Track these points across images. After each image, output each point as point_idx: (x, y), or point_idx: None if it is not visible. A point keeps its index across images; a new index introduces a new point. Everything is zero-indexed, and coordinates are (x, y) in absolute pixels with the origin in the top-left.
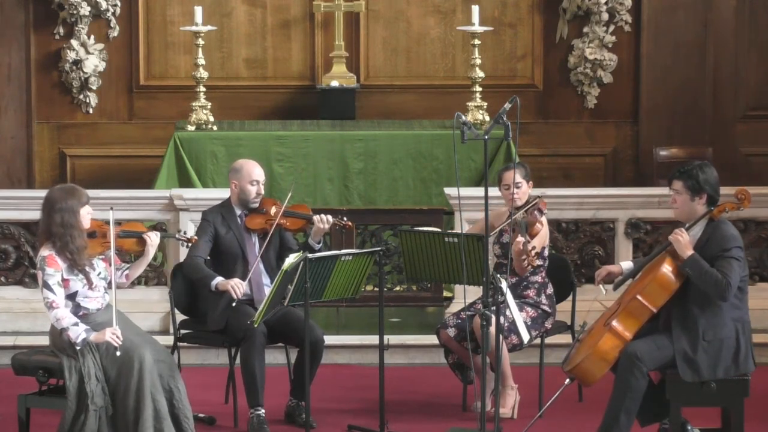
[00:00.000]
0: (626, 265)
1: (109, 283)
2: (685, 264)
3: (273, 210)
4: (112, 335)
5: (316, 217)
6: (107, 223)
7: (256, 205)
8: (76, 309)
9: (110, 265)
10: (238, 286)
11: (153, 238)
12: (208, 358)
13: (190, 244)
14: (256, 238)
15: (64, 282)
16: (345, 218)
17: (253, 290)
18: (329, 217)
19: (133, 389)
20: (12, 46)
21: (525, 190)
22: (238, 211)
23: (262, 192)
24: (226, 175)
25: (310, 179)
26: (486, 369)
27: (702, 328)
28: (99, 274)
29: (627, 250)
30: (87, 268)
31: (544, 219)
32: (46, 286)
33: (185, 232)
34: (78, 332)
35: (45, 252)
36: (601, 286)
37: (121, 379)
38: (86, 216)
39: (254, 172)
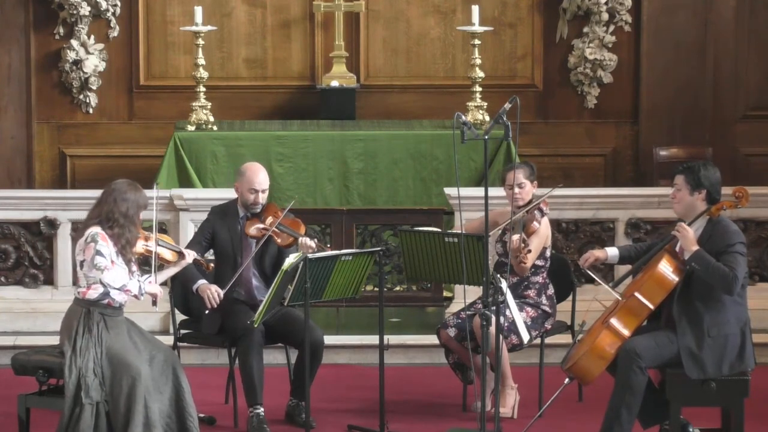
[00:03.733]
0: (612, 251)
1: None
2: (691, 259)
3: (269, 220)
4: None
5: (300, 240)
6: (145, 229)
7: (257, 210)
8: (104, 296)
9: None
10: (214, 297)
11: (190, 256)
12: (208, 358)
13: (206, 270)
14: (253, 243)
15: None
16: (329, 246)
17: (244, 292)
18: (312, 243)
19: (124, 398)
20: (12, 46)
21: (529, 190)
22: (242, 213)
23: (260, 201)
24: (227, 175)
25: (310, 179)
26: (486, 369)
27: (707, 325)
28: (135, 272)
29: None
30: (132, 263)
31: (545, 219)
32: (99, 253)
33: (208, 260)
34: (135, 285)
35: (96, 229)
36: (612, 291)
37: (115, 385)
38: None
39: (255, 180)
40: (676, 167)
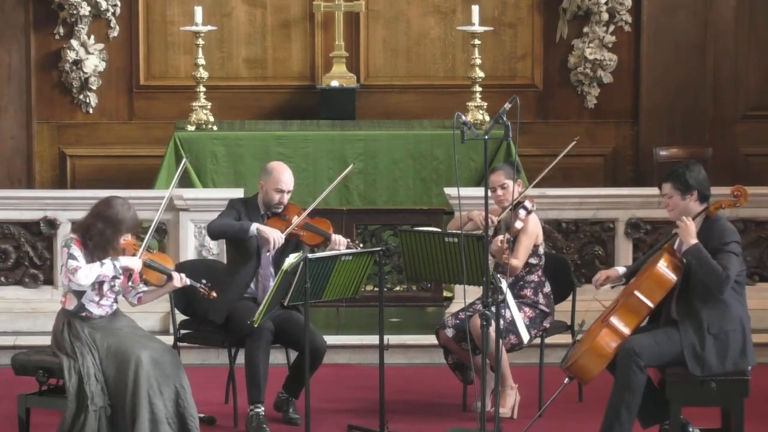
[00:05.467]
0: (622, 270)
1: (122, 294)
2: (687, 251)
3: (294, 219)
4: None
5: (334, 237)
6: (140, 245)
7: (279, 210)
8: (80, 308)
9: (128, 281)
10: (278, 240)
11: (177, 282)
12: (208, 358)
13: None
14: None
15: None
16: (361, 245)
17: (259, 293)
18: (346, 240)
19: (130, 391)
20: (12, 46)
21: (511, 190)
22: (262, 211)
23: (285, 202)
24: (226, 175)
25: (310, 179)
26: (486, 369)
27: (707, 323)
28: (113, 286)
29: (627, 250)
30: (105, 283)
31: (533, 216)
32: (71, 256)
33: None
34: (109, 267)
35: (74, 235)
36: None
37: (119, 380)
38: (123, 240)
39: (281, 180)
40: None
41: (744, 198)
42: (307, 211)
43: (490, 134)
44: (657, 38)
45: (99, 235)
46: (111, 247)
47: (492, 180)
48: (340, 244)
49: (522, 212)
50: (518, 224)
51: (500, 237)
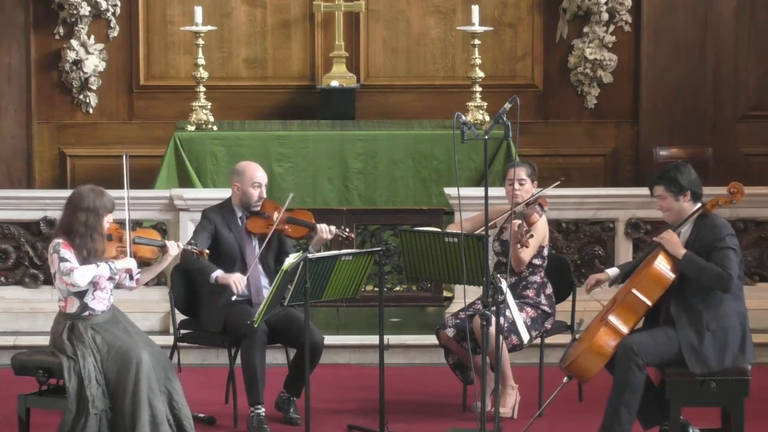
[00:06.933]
0: (612, 271)
1: (117, 285)
2: (681, 264)
3: (275, 214)
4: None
5: (319, 227)
6: (123, 226)
7: (258, 208)
8: (83, 308)
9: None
10: (239, 282)
11: (173, 249)
12: (208, 358)
13: (200, 257)
14: (256, 241)
15: None
16: (347, 230)
17: (252, 292)
18: (332, 228)
19: (130, 393)
20: (12, 46)
21: (528, 189)
22: (239, 213)
23: (264, 195)
24: (226, 175)
25: (310, 179)
26: (486, 369)
27: (706, 320)
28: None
29: (627, 250)
30: None
31: (543, 218)
32: (63, 259)
33: (198, 245)
34: (105, 268)
35: (58, 240)
36: (595, 290)
37: (120, 382)
38: (107, 223)
39: (256, 175)
40: (652, 176)
41: (740, 194)
42: (285, 207)
43: (490, 134)
44: (657, 38)
45: (83, 226)
46: (97, 233)
47: (511, 173)
48: (327, 232)
49: (538, 208)
50: (536, 216)
51: (517, 221)
